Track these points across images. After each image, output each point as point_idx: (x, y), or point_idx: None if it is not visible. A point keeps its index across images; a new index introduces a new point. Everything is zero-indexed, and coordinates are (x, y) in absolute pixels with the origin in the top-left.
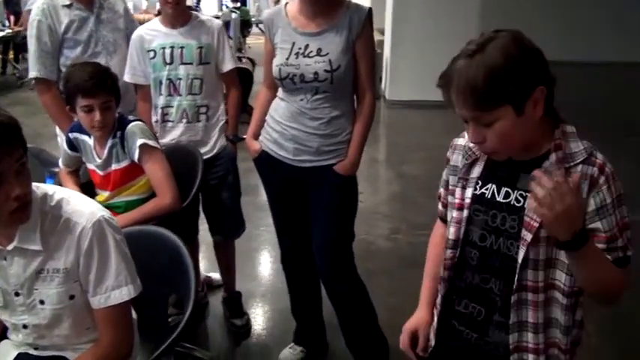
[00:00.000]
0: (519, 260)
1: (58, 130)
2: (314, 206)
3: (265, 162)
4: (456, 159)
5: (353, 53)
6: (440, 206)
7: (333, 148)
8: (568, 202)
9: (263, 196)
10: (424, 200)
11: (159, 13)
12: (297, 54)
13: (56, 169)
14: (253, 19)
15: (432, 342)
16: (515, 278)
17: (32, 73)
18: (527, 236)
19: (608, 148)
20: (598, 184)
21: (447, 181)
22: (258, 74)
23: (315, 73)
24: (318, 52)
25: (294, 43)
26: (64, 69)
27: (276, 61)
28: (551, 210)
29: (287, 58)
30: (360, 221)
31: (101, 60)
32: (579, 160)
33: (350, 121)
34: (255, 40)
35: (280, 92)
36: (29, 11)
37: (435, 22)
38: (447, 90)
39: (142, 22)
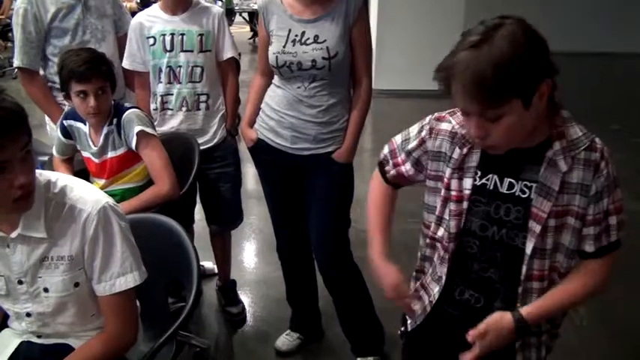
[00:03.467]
0: (528, 252)
1: (47, 118)
2: (312, 194)
3: (262, 150)
4: (440, 145)
5: (349, 40)
6: (393, 172)
7: (330, 135)
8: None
9: (251, 184)
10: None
11: (141, 2)
12: (293, 41)
13: (45, 158)
14: (237, 8)
15: (422, 317)
16: (524, 269)
17: (16, 62)
18: (536, 228)
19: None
20: (599, 169)
21: (418, 161)
22: (243, 64)
23: (313, 61)
24: (315, 40)
25: (290, 30)
26: (52, 58)
27: (272, 49)
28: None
29: (284, 46)
30: (350, 210)
31: None
32: (582, 148)
33: (347, 108)
34: (238, 29)
35: (276, 80)
36: None
37: (420, 11)
38: (448, 82)
39: None
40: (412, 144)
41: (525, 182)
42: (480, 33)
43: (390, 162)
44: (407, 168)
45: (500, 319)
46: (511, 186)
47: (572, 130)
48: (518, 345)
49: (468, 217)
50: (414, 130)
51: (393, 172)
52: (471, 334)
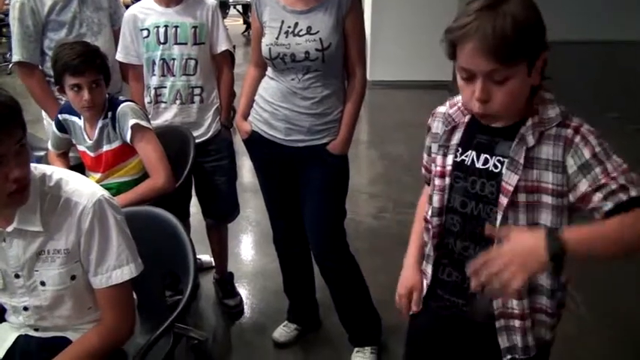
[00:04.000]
0: (497, 225)
1: (44, 113)
2: (306, 185)
3: (256, 143)
4: (437, 126)
5: (342, 30)
6: (423, 170)
7: (324, 127)
8: (513, 262)
9: (248, 177)
10: (409, 179)
11: None
12: (286, 33)
13: (41, 153)
14: (231, 1)
15: (420, 306)
16: (495, 242)
17: (15, 57)
18: (504, 201)
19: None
20: (574, 144)
21: (430, 148)
22: (237, 57)
23: (307, 53)
24: (308, 31)
25: (283, 22)
26: (48, 52)
27: (265, 41)
28: (515, 274)
29: (277, 38)
30: (347, 201)
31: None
32: (554, 124)
33: (341, 99)
34: (232, 22)
35: (270, 71)
36: None
37: (414, 1)
38: (463, 41)
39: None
40: (426, 135)
41: (499, 157)
42: None
43: (423, 168)
44: (425, 159)
45: (527, 228)
46: (486, 161)
47: (550, 110)
48: (499, 325)
49: (451, 194)
50: None
51: (423, 171)
52: (489, 228)
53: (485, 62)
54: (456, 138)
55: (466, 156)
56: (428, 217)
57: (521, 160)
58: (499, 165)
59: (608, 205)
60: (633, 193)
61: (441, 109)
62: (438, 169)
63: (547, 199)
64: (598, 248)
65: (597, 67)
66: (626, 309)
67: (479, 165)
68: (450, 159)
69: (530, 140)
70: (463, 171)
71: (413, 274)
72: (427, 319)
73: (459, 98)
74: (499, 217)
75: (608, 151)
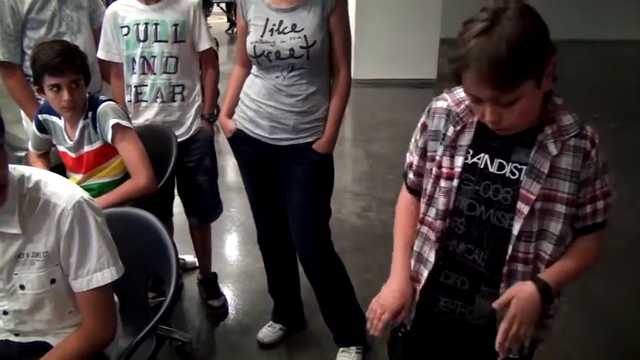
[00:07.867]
0: (515, 232)
1: (23, 113)
2: (291, 184)
3: (241, 141)
4: (437, 123)
5: (328, 28)
6: (411, 175)
7: (309, 125)
8: (522, 325)
9: (232, 176)
10: (393, 178)
11: None
12: (271, 31)
13: (21, 154)
14: None
15: (412, 314)
16: (509, 250)
17: None
18: (524, 209)
19: None
20: (590, 157)
21: (424, 149)
22: (221, 55)
23: (291, 50)
24: (293, 28)
25: (267, 20)
26: (27, 51)
27: (250, 39)
28: (527, 328)
29: (261, 35)
30: (331, 200)
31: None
32: (572, 134)
33: (326, 97)
34: (216, 20)
35: (255, 69)
36: None
37: (399, 1)
38: (464, 71)
39: None
40: (417, 134)
41: (516, 164)
42: (486, 19)
43: (407, 166)
44: (416, 161)
45: (521, 285)
46: (501, 167)
47: (564, 117)
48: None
49: (457, 196)
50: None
51: (410, 175)
52: (497, 303)
53: (486, 90)
54: (466, 139)
55: (478, 159)
56: (430, 220)
57: (546, 170)
58: (517, 172)
59: (579, 224)
60: (598, 219)
61: (441, 104)
62: (445, 170)
63: (561, 208)
64: (567, 281)
65: (576, 66)
66: (604, 303)
67: (492, 169)
68: (459, 160)
69: (553, 149)
70: (475, 174)
71: (403, 290)
72: (422, 327)
73: (461, 94)
74: (517, 225)
75: (606, 167)
